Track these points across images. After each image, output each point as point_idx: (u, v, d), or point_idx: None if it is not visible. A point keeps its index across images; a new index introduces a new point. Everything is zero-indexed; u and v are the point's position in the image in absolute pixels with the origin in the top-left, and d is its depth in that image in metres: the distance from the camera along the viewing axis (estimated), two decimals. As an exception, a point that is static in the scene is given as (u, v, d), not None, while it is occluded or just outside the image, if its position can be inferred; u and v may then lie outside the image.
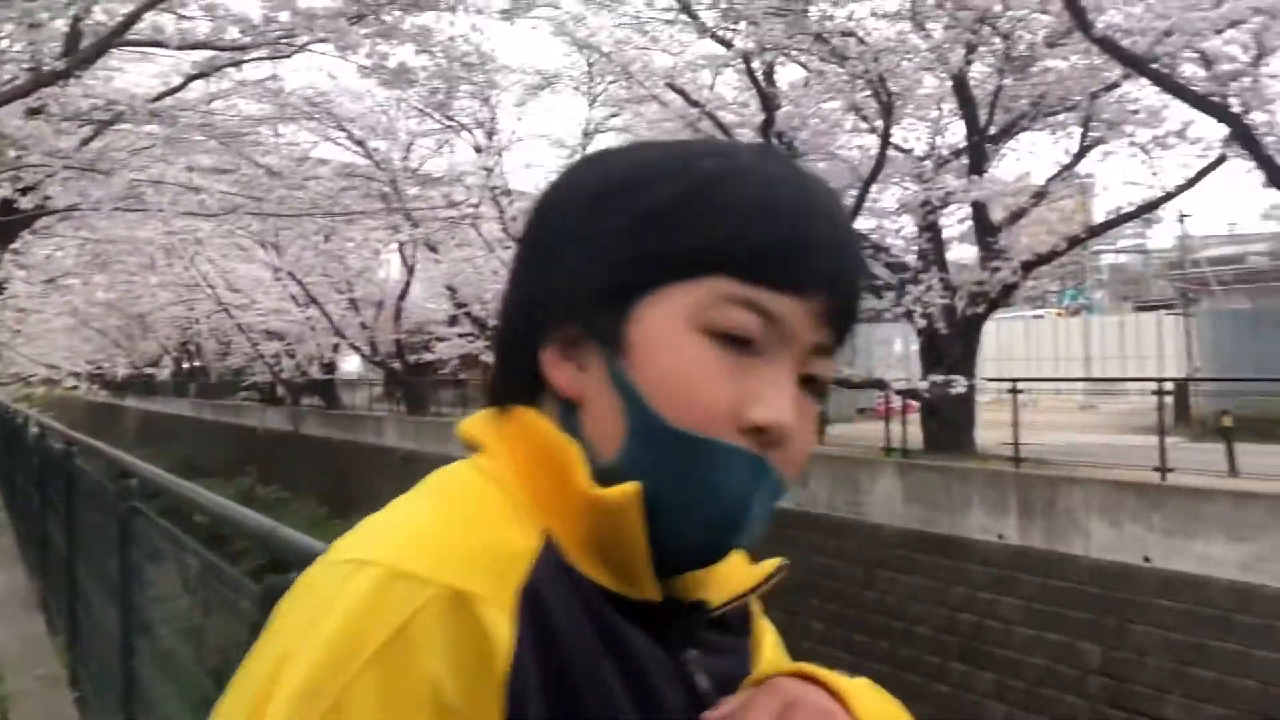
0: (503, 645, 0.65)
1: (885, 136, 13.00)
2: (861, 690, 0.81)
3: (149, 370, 40.67)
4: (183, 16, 6.81)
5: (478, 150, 21.86)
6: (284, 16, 6.13)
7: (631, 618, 0.73)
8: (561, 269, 0.78)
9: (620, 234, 0.76)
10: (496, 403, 0.80)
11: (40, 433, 8.61)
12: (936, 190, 12.89)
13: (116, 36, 5.95)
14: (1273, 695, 8.82)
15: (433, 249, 22.70)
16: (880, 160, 13.14)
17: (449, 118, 21.74)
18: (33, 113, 7.00)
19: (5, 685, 6.40)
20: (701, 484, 0.72)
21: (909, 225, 14.62)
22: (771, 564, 0.86)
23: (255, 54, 7.52)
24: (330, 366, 28.90)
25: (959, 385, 12.10)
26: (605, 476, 0.73)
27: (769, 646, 0.94)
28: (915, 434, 13.81)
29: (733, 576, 0.84)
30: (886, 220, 15.02)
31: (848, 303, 0.77)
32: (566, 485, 0.73)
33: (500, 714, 0.64)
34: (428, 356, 24.48)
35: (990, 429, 13.60)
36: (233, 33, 6.04)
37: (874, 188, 13.77)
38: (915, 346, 15.19)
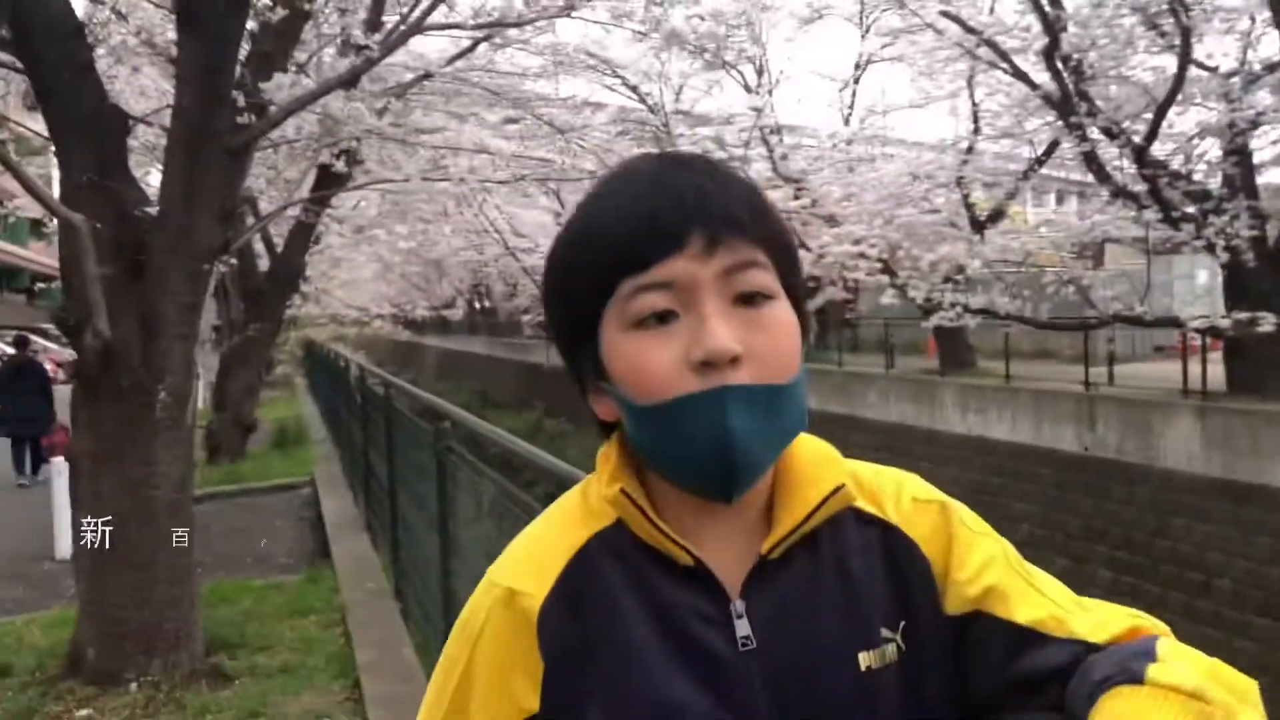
0: (533, 620, 0.93)
1: (1185, 53, 12.03)
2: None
3: (445, 311, 43.56)
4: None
5: (747, 89, 21.87)
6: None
7: (690, 581, 0.92)
8: (558, 341, 1.00)
9: (559, 297, 0.98)
10: (606, 433, 1.01)
11: (361, 375, 9.54)
12: (1246, 111, 11.85)
13: (420, 22, 6.52)
14: None
15: (704, 191, 22.92)
16: (1179, 80, 12.18)
17: (719, 57, 21.84)
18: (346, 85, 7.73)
19: (342, 595, 7.30)
20: (680, 434, 0.88)
21: (1213, 149, 13.49)
22: (820, 492, 0.95)
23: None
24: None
25: (1267, 322, 11.16)
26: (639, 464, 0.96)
27: (976, 567, 0.96)
28: (1217, 374, 12.89)
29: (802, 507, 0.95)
30: (1186, 145, 13.90)
31: (723, 223, 0.89)
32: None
33: (537, 663, 0.92)
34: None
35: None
36: (518, 6, 6.47)
37: (1172, 110, 12.79)
38: (1220, 280, 14.10)
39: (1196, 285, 19.30)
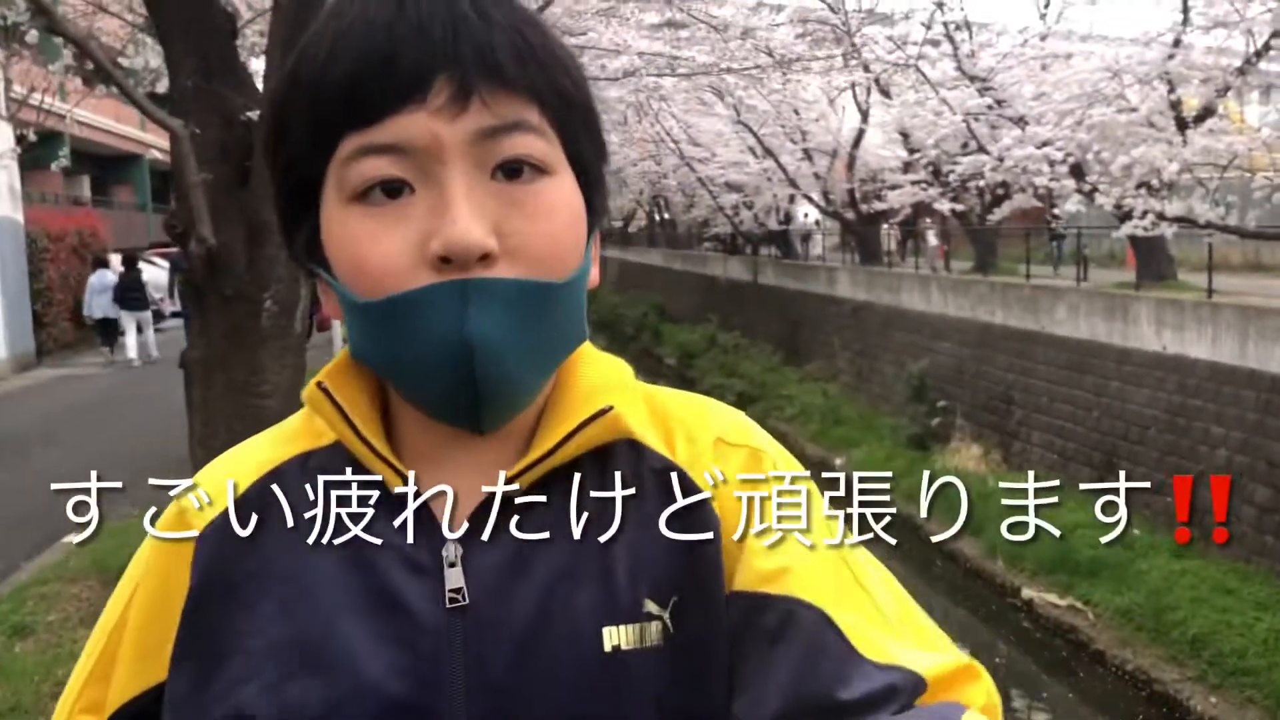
0: (193, 542, 0.76)
1: None
2: None
3: (623, 222, 43.81)
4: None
5: (932, -17, 20.60)
6: None
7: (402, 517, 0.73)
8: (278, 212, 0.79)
9: (273, 149, 0.75)
10: None
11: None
12: None
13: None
14: None
15: (885, 93, 21.95)
16: None
17: (902, -50, 20.63)
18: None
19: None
20: (406, 342, 0.69)
21: None
22: (578, 418, 0.74)
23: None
24: (787, 217, 29.31)
25: None
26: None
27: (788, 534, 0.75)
28: None
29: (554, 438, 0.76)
30: None
31: (479, 67, 0.67)
32: None
33: (186, 581, 0.76)
34: (879, 205, 24.00)
35: None
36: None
37: None
38: None
39: None
